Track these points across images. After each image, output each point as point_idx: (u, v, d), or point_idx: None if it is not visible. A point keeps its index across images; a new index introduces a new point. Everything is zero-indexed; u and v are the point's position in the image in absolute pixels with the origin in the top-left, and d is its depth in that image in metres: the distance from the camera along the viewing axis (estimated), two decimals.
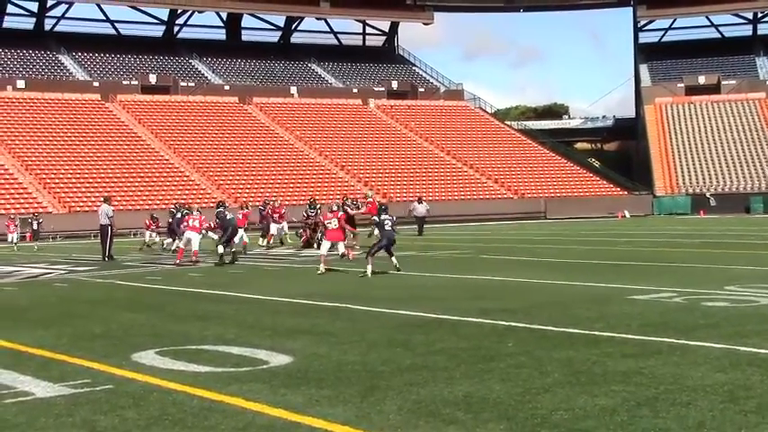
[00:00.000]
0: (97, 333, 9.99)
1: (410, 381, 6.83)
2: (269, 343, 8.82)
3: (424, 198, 41.79)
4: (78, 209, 47.56)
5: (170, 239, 28.20)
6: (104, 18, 74.96)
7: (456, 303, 11.84)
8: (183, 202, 33.72)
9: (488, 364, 7.39)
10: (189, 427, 5.67)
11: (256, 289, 14.84)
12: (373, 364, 7.54)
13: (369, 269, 17.04)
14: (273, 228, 29.31)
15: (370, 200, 28.64)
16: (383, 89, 75.69)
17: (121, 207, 45.52)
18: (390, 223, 17.97)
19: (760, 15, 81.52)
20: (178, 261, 22.19)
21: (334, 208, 20.06)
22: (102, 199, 27.11)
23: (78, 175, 52.16)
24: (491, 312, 10.71)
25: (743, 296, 11.81)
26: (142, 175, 53.89)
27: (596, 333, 8.92)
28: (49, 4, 71.62)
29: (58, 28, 73.86)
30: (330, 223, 19.44)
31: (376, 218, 18.41)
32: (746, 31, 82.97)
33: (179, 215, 26.72)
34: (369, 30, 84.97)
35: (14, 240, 36.54)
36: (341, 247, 19.55)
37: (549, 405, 5.94)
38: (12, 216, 39.53)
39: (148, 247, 30.63)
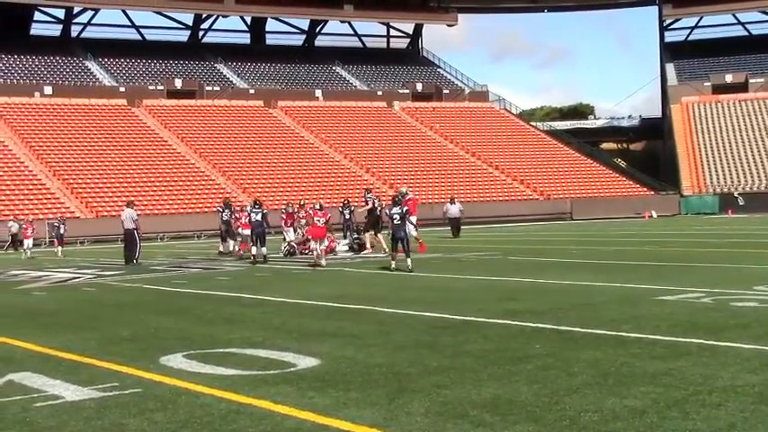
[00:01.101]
0: (125, 336, 10.04)
1: (437, 383, 6.81)
2: (296, 346, 8.83)
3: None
4: (105, 213, 47.89)
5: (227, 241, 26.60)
6: (130, 24, 75.75)
7: (483, 305, 11.80)
8: (228, 195, 33.28)
9: (516, 366, 7.36)
10: (216, 430, 5.69)
11: (282, 292, 14.87)
12: (400, 367, 7.53)
13: (408, 261, 17.79)
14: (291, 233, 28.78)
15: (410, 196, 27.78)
16: (408, 91, 75.71)
17: (147, 212, 45.88)
18: (398, 218, 17.97)
19: None
20: (242, 252, 24.71)
21: (317, 207, 21.75)
22: (126, 204, 26.99)
23: (105, 180, 52.55)
24: (518, 314, 10.67)
25: None
26: (168, 179, 54.27)
27: (624, 334, 8.86)
28: (75, 11, 72.31)
29: (84, 34, 74.74)
30: (319, 221, 20.90)
31: (387, 211, 18.63)
32: None
33: (226, 215, 26.33)
34: (393, 32, 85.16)
35: (29, 246, 33.74)
36: (323, 244, 21.02)
37: (578, 406, 5.90)
38: (30, 220, 36.38)
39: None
